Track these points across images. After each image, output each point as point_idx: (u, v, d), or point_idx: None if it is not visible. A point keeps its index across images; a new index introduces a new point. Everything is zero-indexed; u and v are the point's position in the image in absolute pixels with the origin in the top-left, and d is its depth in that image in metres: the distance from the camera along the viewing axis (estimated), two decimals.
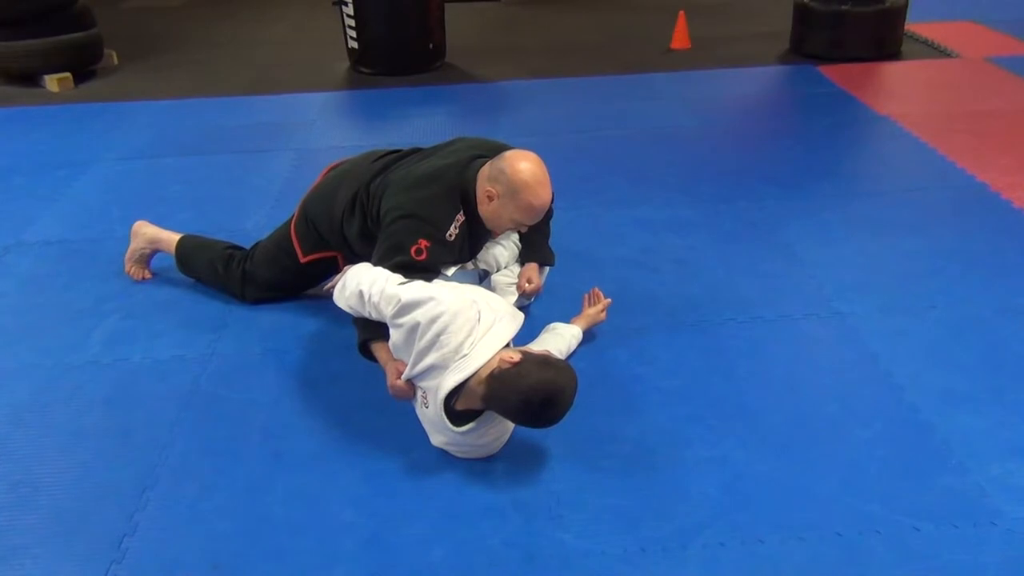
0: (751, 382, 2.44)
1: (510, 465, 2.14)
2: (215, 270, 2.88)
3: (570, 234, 3.22)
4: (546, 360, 2.03)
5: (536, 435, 2.18)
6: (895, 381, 2.42)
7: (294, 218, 2.74)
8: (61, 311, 2.84)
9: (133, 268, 3.01)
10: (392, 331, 2.12)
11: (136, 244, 2.99)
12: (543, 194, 2.34)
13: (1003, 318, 2.70)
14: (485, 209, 2.38)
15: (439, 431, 2.11)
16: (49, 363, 2.58)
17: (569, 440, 2.19)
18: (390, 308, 2.07)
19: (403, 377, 2.10)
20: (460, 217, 2.38)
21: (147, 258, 3.02)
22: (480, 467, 2.13)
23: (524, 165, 2.32)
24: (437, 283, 2.20)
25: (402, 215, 2.34)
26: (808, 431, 2.24)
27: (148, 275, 3.02)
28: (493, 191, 2.33)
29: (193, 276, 2.98)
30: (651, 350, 2.58)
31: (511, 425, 2.15)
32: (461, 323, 2.01)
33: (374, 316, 2.17)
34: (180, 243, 2.96)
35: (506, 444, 2.17)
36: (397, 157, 2.63)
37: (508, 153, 2.39)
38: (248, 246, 2.88)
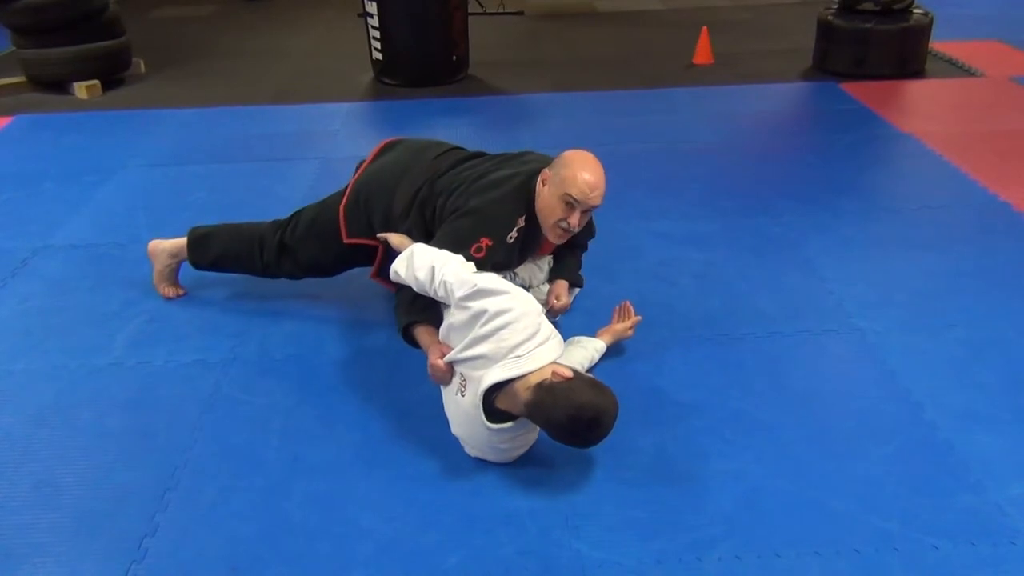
0: (769, 397, 2.44)
1: (527, 474, 2.15)
2: (242, 241, 2.81)
3: (589, 246, 3.23)
4: (596, 382, 2.05)
5: (554, 446, 2.17)
6: (914, 399, 2.41)
7: (344, 199, 2.68)
8: (86, 314, 2.88)
9: (165, 288, 2.96)
10: (455, 312, 2.13)
11: (160, 263, 2.93)
12: (592, 169, 2.41)
13: None
14: (540, 199, 2.45)
15: (466, 423, 2.12)
16: (74, 365, 2.61)
17: (587, 451, 2.19)
18: (462, 290, 2.10)
19: (447, 358, 2.12)
20: (521, 221, 2.46)
21: (175, 273, 2.96)
22: (497, 476, 2.15)
23: (576, 151, 2.47)
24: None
25: (470, 211, 2.41)
26: (825, 447, 2.24)
27: (181, 292, 2.98)
28: (547, 174, 2.44)
29: (208, 259, 2.87)
30: (669, 363, 2.59)
31: (535, 437, 2.17)
32: (524, 325, 2.04)
33: (439, 294, 2.19)
34: (193, 229, 2.89)
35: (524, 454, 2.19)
36: (467, 156, 2.70)
37: None
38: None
